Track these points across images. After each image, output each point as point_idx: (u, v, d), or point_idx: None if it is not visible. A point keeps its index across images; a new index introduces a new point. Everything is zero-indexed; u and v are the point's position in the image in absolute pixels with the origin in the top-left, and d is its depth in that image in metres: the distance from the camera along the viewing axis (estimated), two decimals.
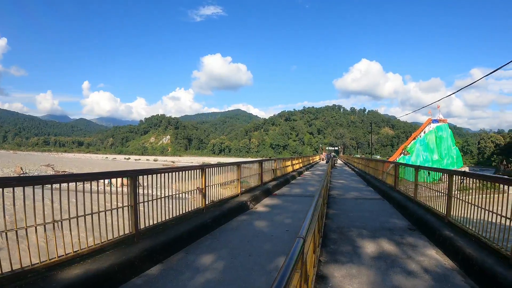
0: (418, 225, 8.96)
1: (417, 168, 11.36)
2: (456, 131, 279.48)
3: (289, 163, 25.20)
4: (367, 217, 10.24)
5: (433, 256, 6.65)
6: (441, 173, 9.12)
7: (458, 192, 7.54)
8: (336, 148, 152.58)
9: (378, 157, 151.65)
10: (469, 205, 7.04)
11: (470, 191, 6.84)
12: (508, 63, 12.76)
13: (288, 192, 16.28)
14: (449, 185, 8.17)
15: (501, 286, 4.74)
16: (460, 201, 7.52)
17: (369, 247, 7.06)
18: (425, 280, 5.42)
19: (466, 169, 65.11)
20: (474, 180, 7.16)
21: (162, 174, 7.13)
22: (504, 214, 5.72)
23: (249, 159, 15.12)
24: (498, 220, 5.89)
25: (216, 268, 5.74)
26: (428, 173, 10.20)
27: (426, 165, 57.20)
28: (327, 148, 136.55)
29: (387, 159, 69.28)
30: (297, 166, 29.63)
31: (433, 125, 62.54)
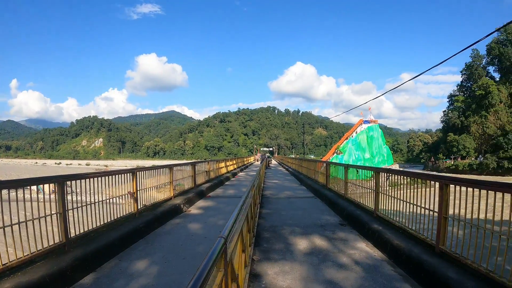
0: (349, 220, 9.26)
1: (347, 166, 11.69)
2: (387, 131, 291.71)
3: (223, 164, 25.10)
4: (300, 215, 10.42)
5: (364, 248, 6.89)
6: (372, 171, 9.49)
7: (390, 188, 7.89)
8: (271, 148, 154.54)
9: (312, 157, 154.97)
10: (395, 199, 7.40)
11: (401, 186, 7.21)
12: (430, 69, 13.60)
13: (222, 193, 16.21)
14: (376, 182, 8.54)
15: (427, 272, 5.00)
16: (387, 196, 7.87)
17: (302, 244, 7.18)
18: (356, 271, 5.60)
19: (396, 166, 68.61)
20: (399, 176, 7.53)
21: (92, 179, 6.78)
22: (427, 206, 6.01)
23: (183, 161, 14.88)
24: (424, 212, 6.19)
25: (150, 273, 5.59)
26: (357, 171, 10.61)
27: (358, 163, 60.24)
28: (261, 149, 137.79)
29: (321, 158, 71.23)
30: (231, 168, 29.67)
31: (365, 126, 65.47)
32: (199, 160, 32.42)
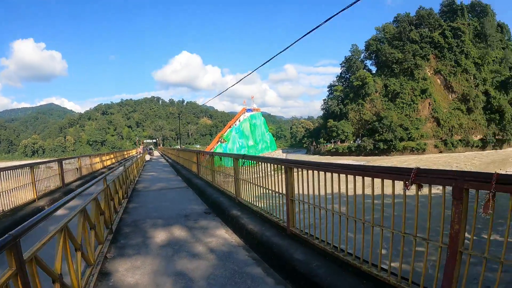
0: (214, 208, 9.21)
1: (211, 154, 11.68)
2: (271, 119, 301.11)
3: (97, 159, 23.83)
4: (167, 207, 10.17)
5: (222, 235, 6.83)
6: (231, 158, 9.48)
7: (248, 174, 7.91)
8: (155, 140, 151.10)
9: (198, 146, 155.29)
10: (253, 185, 7.41)
11: (274, 173, 7.21)
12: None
13: (94, 190, 15.36)
14: (234, 168, 8.56)
15: (276, 255, 5.04)
16: (245, 182, 7.89)
17: (160, 236, 6.97)
18: (209, 260, 5.51)
19: (279, 151, 71.39)
20: (254, 161, 7.60)
21: None
22: (280, 191, 6.04)
23: (47, 159, 13.69)
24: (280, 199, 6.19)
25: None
26: (220, 158, 10.61)
27: (242, 150, 61.32)
28: (145, 141, 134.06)
29: (206, 148, 71.54)
30: (108, 162, 28.27)
31: (248, 114, 66.96)
32: (68, 157, 30.11)
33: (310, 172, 5.02)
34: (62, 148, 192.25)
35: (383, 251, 3.65)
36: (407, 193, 3.21)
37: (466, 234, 2.80)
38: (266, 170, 6.69)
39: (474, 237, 2.80)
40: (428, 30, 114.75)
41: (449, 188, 2.89)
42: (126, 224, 8.10)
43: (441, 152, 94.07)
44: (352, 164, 4.25)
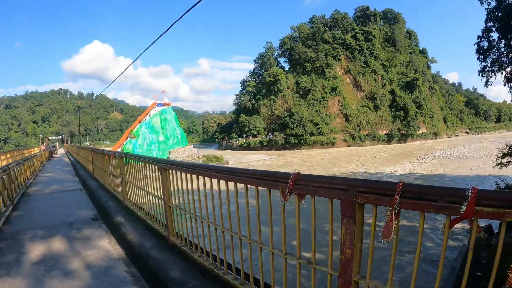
0: (102, 213, 8.45)
1: (103, 152, 10.76)
2: (183, 114, 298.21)
3: None
4: (54, 213, 9.16)
5: (104, 246, 6.19)
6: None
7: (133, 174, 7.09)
8: (61, 137, 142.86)
9: (108, 142, 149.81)
10: (138, 188, 6.64)
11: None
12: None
13: None
14: (120, 168, 7.86)
15: (151, 270, 4.55)
16: (131, 184, 7.12)
17: (37, 251, 6.10)
18: (83, 278, 4.85)
19: (191, 147, 70.78)
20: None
21: None
22: (159, 195, 5.44)
23: None
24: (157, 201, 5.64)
25: None
26: (109, 157, 9.63)
27: (152, 146, 60.10)
28: (50, 138, 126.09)
29: (115, 144, 69.08)
30: (4, 163, 25.66)
31: (158, 108, 66.19)
32: None
33: (183, 174, 4.41)
34: None
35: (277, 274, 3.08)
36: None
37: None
38: (152, 170, 5.92)
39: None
40: (341, 32, 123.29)
41: None
42: (4, 238, 7.13)
43: (349, 146, 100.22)
44: (223, 167, 3.68)
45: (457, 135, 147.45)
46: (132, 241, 5.57)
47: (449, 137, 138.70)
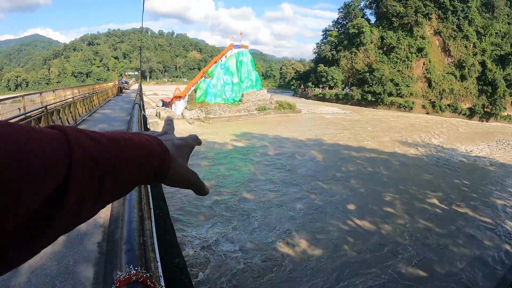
0: None
1: None
2: (262, 57, 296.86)
3: (52, 96, 20.29)
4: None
5: None
6: None
7: None
8: (136, 73, 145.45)
9: (185, 80, 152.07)
10: None
11: None
12: None
13: None
14: None
15: None
16: None
17: None
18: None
19: (265, 91, 69.67)
20: None
21: None
22: None
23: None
24: None
25: None
26: None
27: (226, 87, 59.59)
28: (128, 73, 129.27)
29: (189, 82, 69.51)
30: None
31: (235, 50, 65.49)
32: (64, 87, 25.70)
33: None
34: (46, 80, 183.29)
35: None
36: None
37: None
38: None
39: None
40: None
41: None
42: None
43: (427, 113, 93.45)
44: None
45: None
46: None
47: None
